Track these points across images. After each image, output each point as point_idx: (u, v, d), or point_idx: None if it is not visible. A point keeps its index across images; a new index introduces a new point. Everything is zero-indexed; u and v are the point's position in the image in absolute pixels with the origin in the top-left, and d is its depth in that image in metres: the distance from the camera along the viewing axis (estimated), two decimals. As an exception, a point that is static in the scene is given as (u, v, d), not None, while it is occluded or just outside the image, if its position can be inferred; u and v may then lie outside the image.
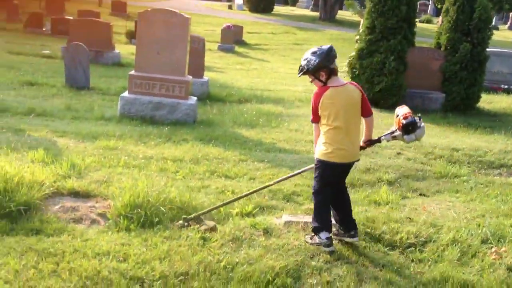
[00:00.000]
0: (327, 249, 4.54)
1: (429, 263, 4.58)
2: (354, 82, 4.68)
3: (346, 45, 26.19)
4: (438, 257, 4.68)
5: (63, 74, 13.24)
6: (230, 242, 4.56)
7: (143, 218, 4.91)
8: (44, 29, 25.80)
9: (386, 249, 4.77)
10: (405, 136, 4.64)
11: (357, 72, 13.13)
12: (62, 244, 4.34)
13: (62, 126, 8.68)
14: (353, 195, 6.22)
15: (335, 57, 4.53)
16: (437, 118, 12.37)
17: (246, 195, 5.36)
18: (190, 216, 4.97)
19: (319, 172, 4.64)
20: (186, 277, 3.99)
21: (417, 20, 14.04)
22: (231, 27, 27.12)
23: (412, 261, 4.63)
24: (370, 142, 4.84)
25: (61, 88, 12.71)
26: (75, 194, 5.50)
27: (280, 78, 18.45)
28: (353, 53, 13.38)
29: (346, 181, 6.57)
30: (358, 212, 5.37)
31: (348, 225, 4.77)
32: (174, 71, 9.62)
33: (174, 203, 5.20)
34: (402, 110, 4.70)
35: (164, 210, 5.04)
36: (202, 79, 12.77)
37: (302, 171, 5.18)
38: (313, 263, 4.35)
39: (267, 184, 5.57)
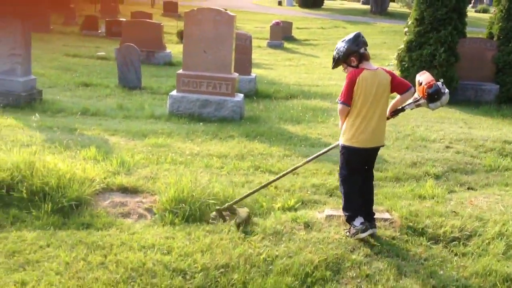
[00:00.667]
0: (364, 234, 4.55)
1: (473, 257, 4.52)
2: (384, 68, 4.68)
3: (398, 38, 25.82)
4: (482, 251, 4.61)
5: (116, 75, 13.66)
6: (271, 236, 4.63)
7: (188, 212, 5.05)
8: (99, 31, 26.59)
9: (429, 243, 4.73)
10: (430, 104, 4.62)
11: (406, 65, 12.95)
12: (110, 238, 4.53)
13: (113, 125, 8.98)
14: (397, 189, 6.20)
15: (364, 42, 4.56)
16: (491, 110, 12.06)
17: (273, 181, 5.48)
18: (223, 207, 5.04)
19: (344, 159, 4.67)
20: (227, 269, 4.09)
21: (472, 10, 13.70)
22: (280, 24, 27.17)
23: (456, 255, 4.58)
24: (394, 112, 4.82)
25: (114, 89, 13.12)
26: (124, 190, 5.71)
27: (328, 73, 18.36)
28: (402, 46, 13.20)
29: (391, 174, 6.62)
30: (402, 207, 5.33)
31: (366, 216, 4.74)
32: (221, 68, 9.78)
33: (217, 197, 5.32)
34: (425, 77, 4.63)
35: (208, 205, 5.17)
36: (250, 76, 12.89)
37: (329, 150, 5.19)
38: (353, 256, 4.37)
39: (293, 167, 5.54)
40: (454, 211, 5.36)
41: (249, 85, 12.66)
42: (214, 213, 5.03)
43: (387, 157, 7.51)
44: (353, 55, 4.52)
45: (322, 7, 46.65)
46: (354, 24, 36.50)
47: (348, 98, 4.54)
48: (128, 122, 9.35)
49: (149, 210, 5.32)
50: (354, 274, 4.14)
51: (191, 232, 4.69)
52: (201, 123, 9.18)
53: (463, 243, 4.75)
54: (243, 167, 6.63)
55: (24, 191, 5.10)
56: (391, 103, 4.79)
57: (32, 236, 4.45)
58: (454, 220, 5.10)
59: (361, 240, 4.61)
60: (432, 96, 4.55)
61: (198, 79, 9.79)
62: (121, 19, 25.58)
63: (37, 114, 7.62)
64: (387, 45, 27.72)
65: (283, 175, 5.40)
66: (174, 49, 20.50)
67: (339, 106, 4.68)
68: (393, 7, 44.87)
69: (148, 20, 21.31)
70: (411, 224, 5.00)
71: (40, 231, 4.59)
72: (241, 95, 10.19)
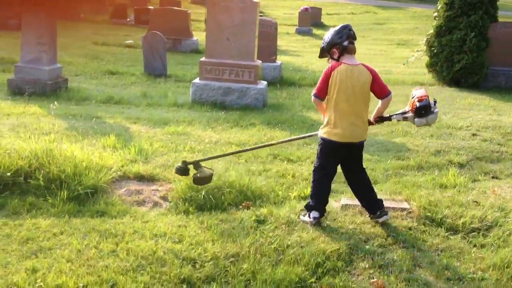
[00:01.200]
0: (311, 228, 4.56)
1: (492, 248, 4.38)
2: (367, 65, 4.59)
3: (430, 23, 25.28)
4: (502, 242, 4.46)
5: (142, 63, 13.71)
6: (284, 225, 4.57)
7: (202, 201, 5.04)
8: (128, 19, 26.76)
9: (446, 233, 4.60)
10: (416, 119, 4.55)
11: (435, 51, 12.66)
12: (123, 225, 4.54)
13: (136, 113, 9.02)
14: (418, 178, 6.06)
15: (349, 35, 4.49)
16: (522, 97, 11.70)
17: (244, 150, 5.94)
18: (190, 161, 5.21)
19: (320, 150, 4.67)
20: (237, 258, 4.05)
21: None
22: (308, 10, 26.89)
23: (474, 246, 4.45)
24: (380, 119, 4.76)
25: (140, 76, 13.18)
26: (140, 178, 5.71)
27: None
28: (431, 31, 12.90)
29: (413, 163, 6.47)
30: (421, 196, 5.20)
31: (373, 207, 4.71)
32: (243, 56, 9.70)
33: (233, 186, 5.28)
34: (419, 92, 4.58)
35: (223, 194, 5.14)
36: (275, 63, 12.78)
37: (304, 137, 5.58)
38: (367, 247, 4.28)
39: (269, 143, 5.92)
40: (476, 201, 5.20)
41: (274, 72, 12.55)
42: (180, 164, 5.17)
43: (410, 145, 7.36)
44: (336, 47, 4.49)
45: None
46: (386, 9, 35.95)
47: (321, 92, 4.55)
48: (150, 110, 9.37)
49: (164, 198, 5.31)
50: (367, 265, 4.05)
51: (204, 220, 4.66)
52: (223, 111, 9.14)
53: (482, 234, 4.61)
54: (261, 155, 6.57)
55: (41, 178, 5.14)
56: (376, 108, 4.71)
57: (46, 224, 4.48)
58: (474, 210, 4.96)
59: (378, 226, 4.54)
60: (419, 110, 4.49)
61: (220, 66, 9.74)
62: (149, 7, 25.67)
63: (55, 102, 7.69)
64: (418, 30, 27.21)
65: (257, 148, 5.96)
66: (201, 37, 20.41)
67: (312, 98, 4.70)
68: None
69: (175, 8, 21.31)
70: (429, 214, 4.87)
71: (55, 218, 4.63)
72: (264, 83, 10.11)
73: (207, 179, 5.10)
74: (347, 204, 5.01)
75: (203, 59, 9.96)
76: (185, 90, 11.32)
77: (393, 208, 4.92)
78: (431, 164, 6.61)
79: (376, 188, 5.53)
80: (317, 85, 4.59)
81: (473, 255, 4.29)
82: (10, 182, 5.13)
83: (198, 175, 5.06)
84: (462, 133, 8.07)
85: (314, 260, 4.04)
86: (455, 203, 5.11)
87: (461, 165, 6.66)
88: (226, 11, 9.64)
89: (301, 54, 19.64)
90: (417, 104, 4.48)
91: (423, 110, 4.47)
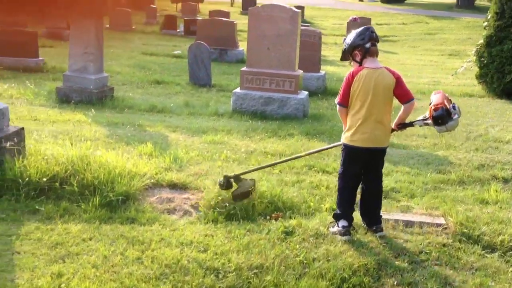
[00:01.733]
0: (342, 238, 4.45)
1: (531, 268, 4.16)
2: (391, 68, 4.50)
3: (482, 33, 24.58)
4: (542, 263, 4.23)
5: (188, 73, 13.86)
6: (312, 237, 4.48)
7: (232, 211, 5.01)
8: (178, 30, 27.18)
9: (483, 251, 4.40)
10: (436, 127, 4.43)
11: (485, 61, 12.27)
12: (151, 233, 4.55)
13: (177, 121, 9.10)
14: (459, 193, 5.84)
15: (371, 37, 4.41)
16: None
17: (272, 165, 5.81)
18: (231, 174, 5.24)
19: (343, 156, 4.59)
20: (261, 270, 3.99)
21: None
22: (357, 20, 26.59)
23: (512, 265, 4.24)
24: (402, 125, 4.65)
25: (185, 86, 13.31)
26: (173, 186, 5.73)
27: (405, 70, 17.75)
28: (481, 41, 12.51)
29: (454, 177, 6.24)
30: (459, 212, 5.00)
31: (370, 220, 4.64)
32: (284, 65, 9.66)
33: (263, 196, 5.23)
34: (436, 98, 4.43)
35: (253, 204, 5.09)
36: (318, 73, 12.68)
37: (328, 148, 5.47)
38: (397, 262, 4.14)
39: (295, 156, 5.77)
40: (517, 218, 4.97)
41: (318, 83, 12.45)
42: (222, 178, 5.23)
43: (452, 158, 7.11)
44: (358, 49, 4.41)
45: (405, 2, 45.33)
46: (438, 19, 35.22)
47: (344, 99, 4.48)
48: (191, 119, 9.44)
49: (195, 207, 5.31)
50: (395, 282, 3.91)
51: (231, 230, 4.63)
52: (263, 121, 9.11)
53: (522, 253, 4.38)
54: (297, 166, 6.49)
55: (76, 184, 5.23)
56: (398, 115, 4.59)
57: (77, 229, 4.55)
58: (515, 227, 4.72)
59: (410, 241, 4.39)
60: (436, 120, 4.38)
61: (261, 76, 9.72)
62: (198, 18, 26.02)
63: (93, 110, 7.82)
64: (471, 40, 26.49)
65: (293, 158, 5.80)
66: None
67: (337, 107, 4.63)
68: (481, 1, 42.87)
69: (222, 18, 21.51)
70: (466, 230, 4.67)
71: (85, 224, 4.69)
72: (305, 93, 10.03)
73: (247, 194, 5.09)
74: (379, 218, 4.86)
75: (244, 68, 9.97)
76: (227, 99, 11.35)
77: (428, 224, 4.75)
78: (473, 178, 6.36)
79: (412, 202, 5.39)
80: (340, 92, 4.53)
81: (509, 275, 4.08)
82: (46, 187, 5.24)
83: (237, 191, 5.09)
84: (510, 147, 7.76)
85: (340, 274, 3.94)
86: (494, 219, 4.89)
87: (505, 180, 6.39)
88: (267, 21, 9.63)
89: (347, 64, 19.41)
90: (433, 113, 4.36)
91: (439, 120, 4.35)
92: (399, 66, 19.26)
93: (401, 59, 21.58)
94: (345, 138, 4.55)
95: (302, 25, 13.69)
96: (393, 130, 4.64)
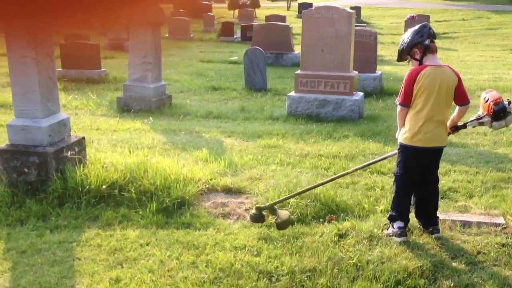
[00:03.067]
0: (398, 239, 4.35)
1: None
2: (451, 66, 4.36)
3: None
4: None
5: (243, 78, 14.01)
6: (366, 240, 4.43)
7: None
8: (235, 37, 27.49)
9: (545, 252, 4.22)
10: (494, 123, 4.30)
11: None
12: (205, 237, 4.63)
13: (232, 127, 9.21)
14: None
15: (430, 34, 4.28)
16: None
17: (318, 185, 5.23)
18: (264, 205, 4.92)
19: (401, 157, 4.46)
20: (314, 273, 3.98)
21: None
22: (415, 18, 26.05)
23: None
24: (455, 128, 4.54)
25: (241, 91, 13.45)
26: (228, 191, 5.80)
27: (465, 67, 17.25)
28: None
29: None
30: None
31: (425, 221, 4.51)
32: (339, 67, 9.60)
33: (317, 199, 5.22)
34: (491, 94, 4.30)
35: (307, 206, 5.09)
36: (374, 73, 12.50)
37: (384, 158, 5.14)
38: (454, 264, 4.03)
39: (344, 172, 5.40)
40: None
41: (374, 83, 12.28)
42: (254, 211, 4.90)
43: (513, 156, 6.86)
44: (417, 46, 4.28)
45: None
46: (499, 14, 33.99)
47: (407, 99, 4.33)
48: (246, 124, 9.52)
49: (249, 211, 5.35)
50: (452, 284, 3.81)
51: (284, 233, 4.64)
52: (318, 123, 9.08)
53: None
54: (351, 168, 6.42)
55: (133, 191, 5.39)
56: (451, 118, 4.47)
57: (134, 235, 4.68)
58: None
59: (467, 242, 4.28)
60: (498, 114, 4.25)
61: (315, 78, 9.69)
62: (255, 23, 26.21)
63: (151, 118, 8.02)
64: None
65: (329, 181, 5.29)
66: (304, 50, 20.53)
67: (398, 108, 4.47)
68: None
69: (277, 22, 21.58)
70: (529, 229, 4.50)
71: (143, 229, 4.83)
72: (361, 94, 9.92)
73: (288, 222, 4.83)
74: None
75: (298, 71, 9.97)
76: (282, 103, 11.39)
77: (486, 223, 4.60)
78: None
79: (470, 202, 5.24)
80: (401, 92, 4.39)
81: None
82: (106, 194, 5.42)
83: (279, 220, 4.76)
84: None
85: (394, 277, 3.87)
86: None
87: None
88: (321, 23, 9.60)
89: (404, 63, 19.03)
90: (495, 107, 4.25)
91: (502, 113, 4.24)
92: (460, 63, 18.74)
93: (461, 56, 20.97)
94: (404, 139, 4.41)
95: (358, 26, 13.56)
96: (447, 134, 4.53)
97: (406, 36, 4.38)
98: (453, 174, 6.17)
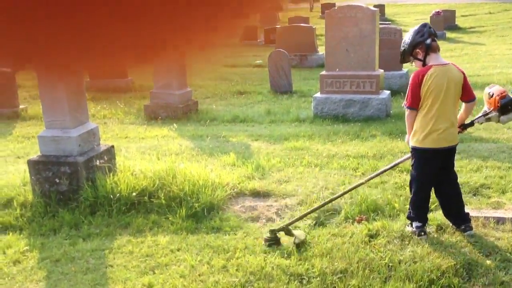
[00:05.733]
0: (419, 238, 4.35)
1: None
2: (455, 64, 4.33)
3: None
4: None
5: (268, 81, 14.01)
6: (397, 239, 4.38)
7: (316, 215, 5.00)
8: (258, 40, 27.50)
9: None
10: (502, 117, 4.24)
11: None
12: (235, 241, 4.64)
13: (259, 130, 9.22)
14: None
15: (430, 33, 4.25)
16: None
17: (333, 199, 4.98)
18: (278, 227, 4.62)
19: (414, 160, 4.42)
20: (345, 274, 3.96)
21: None
22: (440, 13, 25.70)
23: None
24: (463, 127, 4.48)
25: (266, 94, 13.45)
26: (256, 194, 5.81)
27: (493, 61, 16.96)
28: None
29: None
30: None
31: (456, 220, 4.44)
32: (364, 66, 9.52)
33: (345, 200, 5.19)
34: (496, 89, 4.25)
35: (335, 208, 5.07)
36: (401, 71, 12.36)
37: (398, 163, 5.04)
38: (488, 262, 3.96)
39: (357, 184, 5.12)
40: None
41: (400, 81, 12.14)
42: (268, 234, 4.58)
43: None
44: (419, 47, 4.25)
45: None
46: (528, 5, 33.36)
47: (414, 102, 4.29)
48: (273, 126, 9.52)
49: (278, 214, 5.35)
50: (487, 281, 3.75)
51: (315, 235, 4.62)
52: (344, 124, 9.02)
53: None
54: (380, 167, 6.34)
55: (163, 197, 5.44)
56: (458, 116, 4.41)
57: (165, 241, 4.72)
58: None
59: (502, 239, 4.22)
60: (506, 107, 4.19)
61: (341, 78, 9.63)
62: (278, 26, 26.20)
63: (174, 124, 8.08)
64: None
65: (347, 192, 5.10)
66: (328, 51, 20.44)
67: (406, 112, 4.43)
68: None
69: (300, 24, 21.54)
70: None
71: (173, 235, 4.86)
72: (387, 92, 9.83)
73: (304, 242, 4.52)
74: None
75: (323, 72, 9.93)
76: (308, 105, 11.34)
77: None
78: None
79: (504, 198, 5.14)
80: (408, 95, 4.34)
81: None
82: (136, 201, 5.48)
83: (297, 240, 4.47)
84: None
85: (428, 276, 3.82)
86: None
87: None
88: (344, 23, 9.55)
89: (433, 59, 18.80)
90: (502, 101, 4.20)
91: (510, 106, 4.19)
92: (488, 57, 18.44)
93: (489, 50, 20.61)
94: (415, 141, 4.37)
95: (382, 24, 13.43)
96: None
97: (407, 37, 4.36)
98: (485, 170, 6.06)
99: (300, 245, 4.46)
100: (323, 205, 4.95)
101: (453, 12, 28.85)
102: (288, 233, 4.59)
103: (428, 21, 27.24)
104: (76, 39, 0.56)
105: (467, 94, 4.30)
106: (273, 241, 4.53)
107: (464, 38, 25.23)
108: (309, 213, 4.92)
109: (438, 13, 25.86)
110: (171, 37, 0.59)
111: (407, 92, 4.39)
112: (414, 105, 4.32)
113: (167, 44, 0.59)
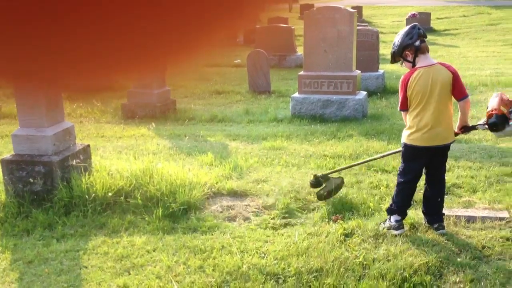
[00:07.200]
0: (396, 232, 4.43)
1: None
2: (445, 63, 4.40)
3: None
4: None
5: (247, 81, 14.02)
6: (371, 239, 4.43)
7: (292, 215, 5.04)
8: (238, 39, 27.49)
9: (551, 244, 4.22)
10: (493, 133, 4.37)
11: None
12: (212, 241, 4.64)
13: (237, 130, 9.23)
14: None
15: (419, 34, 4.30)
16: None
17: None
18: (320, 174, 5.47)
19: (402, 155, 4.54)
20: (320, 273, 3.99)
21: None
22: (416, 15, 26.01)
23: None
24: (465, 129, 4.53)
25: (245, 94, 13.46)
26: (234, 194, 5.81)
27: (467, 63, 17.22)
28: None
29: None
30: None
31: (431, 218, 4.55)
32: (341, 67, 9.60)
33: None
34: (492, 103, 4.31)
35: (314, 208, 5.10)
36: (377, 72, 12.49)
37: (388, 154, 5.54)
38: (459, 259, 4.03)
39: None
40: None
41: (377, 82, 12.27)
42: (312, 178, 5.46)
43: (517, 149, 6.85)
44: (408, 49, 4.31)
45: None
46: (500, 9, 33.91)
47: (403, 104, 4.44)
48: (251, 126, 9.54)
49: (255, 213, 5.36)
50: (458, 279, 3.81)
51: (291, 235, 4.65)
52: (322, 124, 9.08)
53: None
54: (356, 167, 6.42)
55: (140, 197, 5.41)
56: (458, 118, 4.50)
57: (141, 241, 4.70)
58: None
59: (472, 237, 4.30)
60: (491, 127, 4.30)
61: (319, 79, 9.70)
62: (258, 26, 26.21)
63: (153, 124, 8.06)
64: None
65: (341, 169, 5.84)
66: (307, 51, 20.53)
67: (402, 114, 4.59)
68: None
69: (280, 24, 21.59)
70: (534, 222, 4.49)
71: (149, 235, 4.84)
72: (364, 93, 9.92)
73: (329, 193, 5.31)
74: (441, 215, 4.75)
75: (301, 73, 9.99)
76: (286, 105, 11.39)
77: (491, 218, 4.61)
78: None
79: (475, 197, 5.23)
80: (399, 97, 4.48)
81: None
82: (112, 201, 5.45)
83: (322, 191, 5.33)
84: None
85: (401, 274, 3.87)
86: None
87: None
88: (322, 24, 9.61)
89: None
90: (489, 120, 4.29)
91: (494, 127, 4.27)
92: (461, 60, 18.71)
93: (463, 52, 20.94)
94: (405, 137, 4.50)
95: (359, 25, 13.53)
96: (456, 134, 4.55)
97: (397, 39, 4.41)
98: (457, 170, 6.16)
99: (321, 197, 5.27)
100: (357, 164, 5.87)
101: (428, 15, 29.18)
102: (325, 180, 5.40)
103: (404, 23, 27.55)
104: (59, 56, 0.56)
105: (457, 92, 4.33)
106: (316, 183, 5.43)
107: (439, 41, 25.55)
108: (343, 168, 5.86)
109: (413, 15, 26.17)
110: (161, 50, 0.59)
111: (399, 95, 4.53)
112: (404, 107, 4.46)
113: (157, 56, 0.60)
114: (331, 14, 9.63)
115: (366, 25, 19.75)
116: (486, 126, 4.38)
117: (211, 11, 0.58)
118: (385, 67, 13.89)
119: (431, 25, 28.88)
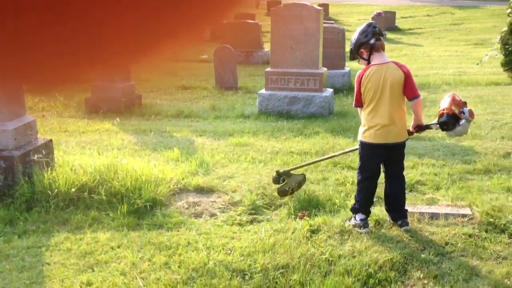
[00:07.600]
0: (361, 231, 4.48)
1: (562, 256, 4.06)
2: (399, 62, 4.50)
3: None
4: None
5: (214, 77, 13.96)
6: (337, 235, 4.47)
7: (258, 212, 5.04)
8: (204, 35, 27.34)
9: (509, 240, 4.35)
10: (445, 132, 4.48)
11: (510, 49, 12.02)
12: (178, 238, 4.61)
13: (203, 125, 9.18)
14: (485, 182, 5.75)
15: (374, 32, 4.40)
16: None
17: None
18: (282, 170, 5.48)
19: (359, 153, 4.65)
20: (287, 269, 4.00)
21: None
22: (381, 14, 26.35)
23: (542, 254, 4.15)
24: (419, 128, 4.61)
25: (212, 90, 13.40)
26: (200, 190, 5.78)
27: (430, 62, 17.56)
28: (505, 28, 12.26)
29: (480, 166, 6.15)
30: (484, 201, 4.93)
31: (394, 214, 4.63)
32: (308, 64, 9.64)
33: (291, 197, 5.25)
34: (443, 103, 4.40)
35: (280, 204, 5.12)
36: (343, 70, 12.61)
37: (347, 152, 5.66)
38: (423, 255, 4.11)
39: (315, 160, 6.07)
40: (548, 206, 4.86)
41: (343, 79, 12.39)
42: (274, 174, 5.47)
43: (478, 148, 7.01)
44: (363, 47, 4.41)
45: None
46: (463, 9, 34.68)
47: (358, 100, 4.54)
48: (218, 122, 9.50)
49: (221, 209, 5.35)
50: (422, 275, 3.88)
51: (257, 231, 4.65)
52: (288, 121, 9.12)
53: (552, 241, 4.29)
54: (322, 164, 6.47)
55: (104, 193, 5.32)
56: (412, 118, 4.59)
57: (105, 237, 4.63)
58: (545, 215, 4.63)
59: (436, 234, 4.38)
60: (441, 126, 4.39)
61: (285, 75, 9.73)
62: (225, 22, 26.12)
63: (117, 119, 7.97)
64: (497, 28, 25.95)
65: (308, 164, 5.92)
66: (273, 48, 20.56)
67: (358, 111, 4.69)
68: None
69: (247, 20, 21.56)
70: (492, 220, 4.61)
71: (114, 232, 4.78)
72: (330, 90, 9.99)
73: (290, 190, 5.35)
74: (405, 212, 4.82)
75: (268, 69, 10.00)
76: (253, 101, 11.38)
77: (454, 215, 4.70)
78: (499, 167, 6.25)
79: (438, 194, 5.33)
80: (355, 96, 4.57)
81: (540, 264, 4.00)
82: (75, 197, 5.35)
83: (282, 187, 5.38)
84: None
85: (366, 270, 3.92)
86: (523, 208, 4.80)
87: (536, 168, 6.25)
88: (290, 21, 9.63)
89: (374, 59, 19.26)
90: (439, 120, 4.38)
91: (444, 126, 4.36)
92: (425, 59, 19.05)
93: (427, 51, 21.33)
94: (360, 134, 4.60)
95: (326, 23, 13.62)
96: (411, 133, 4.62)
97: (354, 37, 4.50)
98: (421, 167, 6.27)
99: (282, 193, 5.31)
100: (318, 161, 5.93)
101: (393, 14, 29.63)
102: (287, 176, 5.40)
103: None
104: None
105: (408, 92, 4.40)
106: (277, 180, 5.43)
107: (404, 39, 25.98)
108: (306, 165, 5.86)
109: (379, 14, 26.50)
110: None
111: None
112: (359, 103, 4.55)
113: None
114: (298, 11, 9.67)
115: (333, 23, 19.91)
116: (438, 125, 4.46)
117: (179, 4, 0.56)
118: (351, 65, 13.98)
119: (396, 24, 29.33)
